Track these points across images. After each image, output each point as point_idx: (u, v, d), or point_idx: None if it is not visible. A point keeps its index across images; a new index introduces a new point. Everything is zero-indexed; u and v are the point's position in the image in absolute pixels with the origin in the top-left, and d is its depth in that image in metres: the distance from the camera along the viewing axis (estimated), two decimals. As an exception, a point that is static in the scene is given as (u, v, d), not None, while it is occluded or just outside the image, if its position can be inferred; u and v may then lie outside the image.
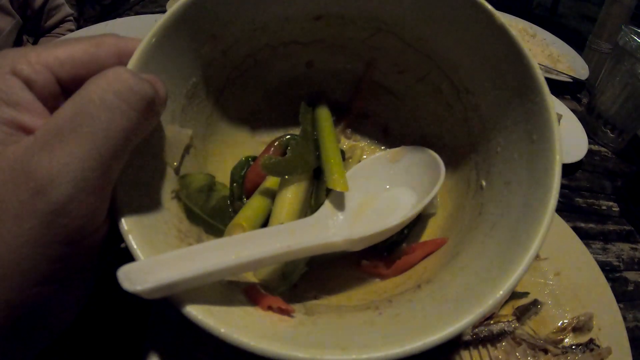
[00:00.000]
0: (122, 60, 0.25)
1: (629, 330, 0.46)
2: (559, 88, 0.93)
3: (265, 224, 0.31)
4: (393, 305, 0.25)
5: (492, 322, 0.41)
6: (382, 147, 0.40)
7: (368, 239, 0.28)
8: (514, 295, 0.44)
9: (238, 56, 0.34)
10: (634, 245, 0.64)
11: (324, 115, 0.35)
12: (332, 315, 0.25)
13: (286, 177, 0.31)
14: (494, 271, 0.22)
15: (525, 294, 0.45)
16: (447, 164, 0.33)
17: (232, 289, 0.25)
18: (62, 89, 0.23)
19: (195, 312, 0.19)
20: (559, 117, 0.74)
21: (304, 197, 0.31)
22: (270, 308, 0.23)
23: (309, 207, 0.31)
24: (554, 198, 0.23)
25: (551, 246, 0.49)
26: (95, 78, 0.21)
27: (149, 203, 0.24)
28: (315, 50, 0.38)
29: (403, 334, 0.20)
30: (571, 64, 0.99)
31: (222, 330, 0.19)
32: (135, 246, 0.21)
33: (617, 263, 0.60)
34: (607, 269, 0.58)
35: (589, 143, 0.76)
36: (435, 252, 0.30)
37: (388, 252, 0.32)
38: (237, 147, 0.37)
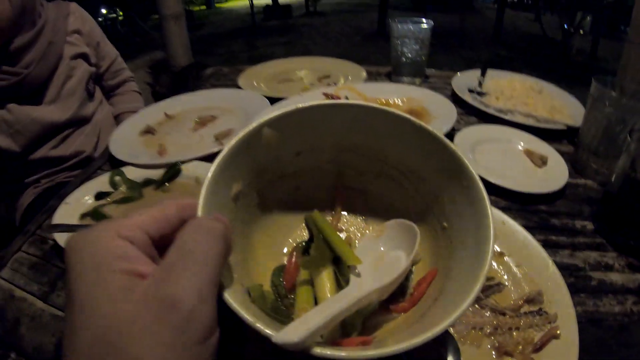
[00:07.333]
0: (182, 213, 0.32)
1: (589, 313, 0.56)
2: (556, 135, 1.03)
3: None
4: (424, 318, 0.38)
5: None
6: (366, 230, 0.54)
7: (390, 285, 0.41)
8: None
9: (251, 191, 0.47)
10: (603, 253, 0.67)
11: (321, 219, 0.48)
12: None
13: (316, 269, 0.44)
14: (470, 281, 0.35)
15: (491, 279, 0.58)
16: (416, 223, 0.46)
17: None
18: (151, 242, 0.30)
19: (321, 350, 0.30)
20: (545, 158, 0.91)
21: (333, 277, 0.43)
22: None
23: (340, 282, 0.43)
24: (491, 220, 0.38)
25: (513, 247, 0.63)
26: (185, 228, 0.30)
27: (246, 304, 0.35)
28: (298, 176, 0.53)
29: (434, 322, 0.32)
30: (572, 113, 1.11)
31: (344, 354, 0.30)
32: (264, 327, 0.30)
33: (583, 265, 0.64)
34: (572, 269, 0.63)
35: (576, 178, 0.87)
36: (434, 280, 0.43)
37: (402, 294, 0.44)
38: (260, 258, 0.48)
